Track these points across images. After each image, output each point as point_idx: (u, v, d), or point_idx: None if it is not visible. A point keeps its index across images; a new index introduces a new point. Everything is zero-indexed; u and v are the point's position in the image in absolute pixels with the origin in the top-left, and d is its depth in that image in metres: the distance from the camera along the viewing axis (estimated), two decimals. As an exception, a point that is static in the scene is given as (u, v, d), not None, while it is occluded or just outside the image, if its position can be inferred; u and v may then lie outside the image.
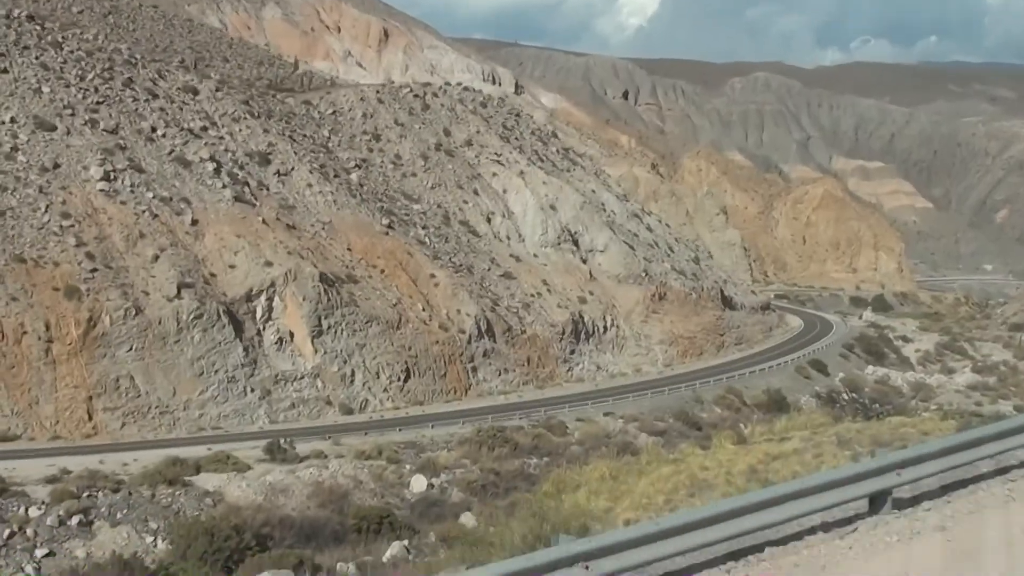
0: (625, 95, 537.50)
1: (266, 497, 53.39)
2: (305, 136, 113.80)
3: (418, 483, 59.94)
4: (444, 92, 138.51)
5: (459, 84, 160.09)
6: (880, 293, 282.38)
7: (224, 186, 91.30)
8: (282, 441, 65.55)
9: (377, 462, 64.45)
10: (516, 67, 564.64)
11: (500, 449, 67.99)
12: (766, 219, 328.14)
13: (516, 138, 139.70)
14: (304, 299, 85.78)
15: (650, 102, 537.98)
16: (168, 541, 45.67)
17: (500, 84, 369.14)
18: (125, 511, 48.44)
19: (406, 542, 43.28)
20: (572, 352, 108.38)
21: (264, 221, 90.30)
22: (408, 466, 64.37)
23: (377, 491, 58.12)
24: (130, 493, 50.11)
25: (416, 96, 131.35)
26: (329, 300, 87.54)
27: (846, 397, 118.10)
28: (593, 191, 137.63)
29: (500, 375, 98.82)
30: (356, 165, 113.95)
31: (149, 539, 47.83)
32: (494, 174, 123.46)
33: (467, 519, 47.66)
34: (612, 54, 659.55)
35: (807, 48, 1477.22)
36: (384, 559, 39.17)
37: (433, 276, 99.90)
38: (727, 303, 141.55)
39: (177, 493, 52.65)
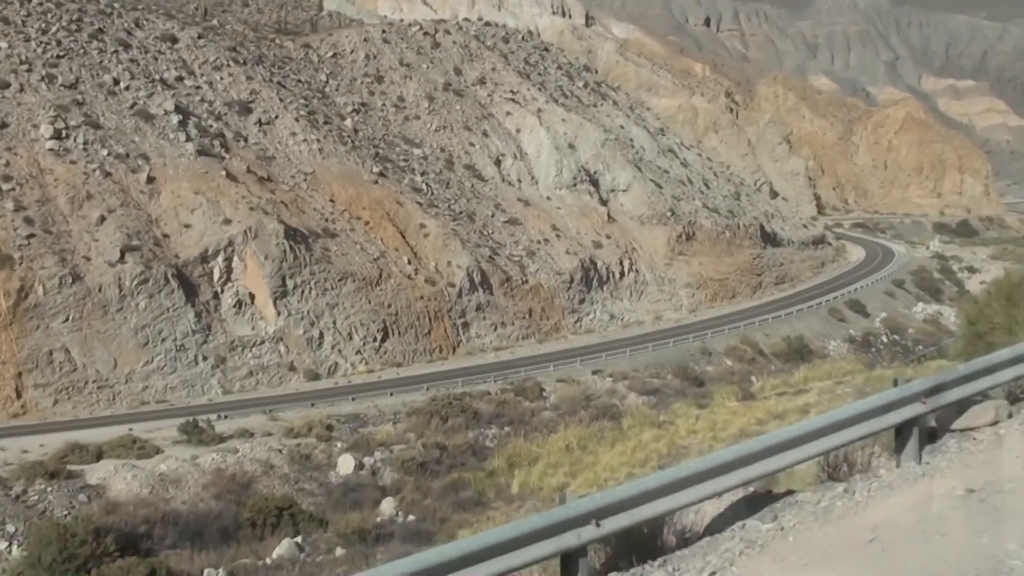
0: (707, 22, 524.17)
1: (153, 490, 47.73)
2: (300, 82, 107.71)
3: (345, 464, 53.73)
4: (459, 29, 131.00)
5: (480, 19, 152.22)
6: (965, 218, 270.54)
7: (188, 139, 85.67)
8: (212, 418, 60.38)
9: (307, 440, 58.78)
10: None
11: (455, 419, 61.63)
12: (846, 145, 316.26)
13: (539, 74, 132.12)
14: (267, 258, 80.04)
15: (732, 28, 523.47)
16: (23, 547, 40.37)
17: (570, 16, 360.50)
18: (-19, 512, 42.99)
19: (299, 539, 37.37)
20: (582, 301, 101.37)
21: (229, 175, 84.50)
22: (340, 444, 58.44)
23: (291, 476, 52.20)
24: (-3, 489, 44.72)
25: (426, 34, 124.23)
26: (296, 258, 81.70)
27: (885, 340, 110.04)
28: (622, 127, 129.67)
29: (496, 330, 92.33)
30: (354, 110, 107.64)
31: (3, 544, 42.55)
32: (508, 113, 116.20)
33: (388, 506, 41.63)
34: None
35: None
36: (269, 560, 33.35)
37: (423, 226, 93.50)
38: (769, 239, 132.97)
39: (49, 489, 47.29)
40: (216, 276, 78.93)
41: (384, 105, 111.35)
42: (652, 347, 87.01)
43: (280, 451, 54.01)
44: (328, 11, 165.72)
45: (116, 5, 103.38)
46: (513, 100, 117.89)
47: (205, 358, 75.37)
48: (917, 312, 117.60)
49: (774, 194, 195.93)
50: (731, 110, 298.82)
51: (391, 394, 71.66)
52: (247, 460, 51.78)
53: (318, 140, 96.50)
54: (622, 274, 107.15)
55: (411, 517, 37.43)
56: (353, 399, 70.84)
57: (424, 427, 60.00)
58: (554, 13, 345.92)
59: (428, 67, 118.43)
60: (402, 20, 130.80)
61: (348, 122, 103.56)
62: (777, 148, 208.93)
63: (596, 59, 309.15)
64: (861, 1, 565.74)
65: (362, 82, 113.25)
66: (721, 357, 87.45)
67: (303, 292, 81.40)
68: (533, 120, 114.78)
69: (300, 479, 51.39)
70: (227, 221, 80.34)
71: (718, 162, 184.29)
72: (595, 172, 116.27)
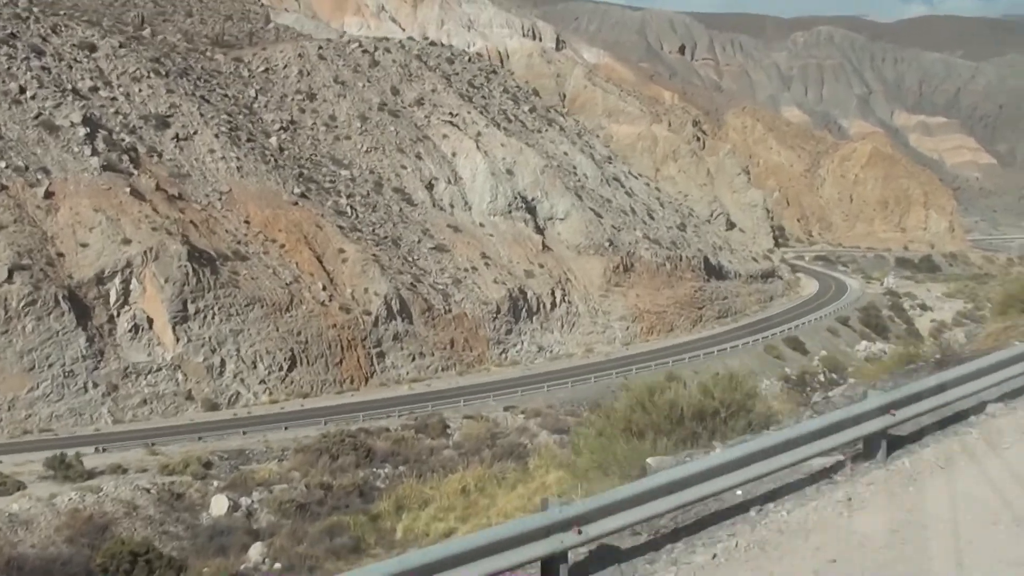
0: (682, 50, 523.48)
1: (0, 532, 44.06)
2: (226, 97, 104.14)
3: (218, 505, 50.25)
4: (401, 48, 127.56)
5: (426, 39, 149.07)
6: (928, 254, 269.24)
7: (94, 153, 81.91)
8: (95, 449, 56.72)
9: (182, 478, 55.28)
10: (571, 22, 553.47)
11: (346, 457, 58.18)
12: (812, 177, 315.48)
13: (483, 97, 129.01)
14: (167, 281, 76.35)
15: (707, 57, 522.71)
16: None
17: (540, 39, 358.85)
18: None
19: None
20: (508, 332, 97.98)
21: (135, 192, 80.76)
22: (216, 483, 54.90)
23: (156, 518, 48.57)
24: None
25: (365, 52, 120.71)
26: (200, 281, 78.04)
27: (822, 379, 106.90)
28: (565, 153, 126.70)
29: (414, 360, 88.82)
30: (282, 128, 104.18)
31: None
32: (444, 136, 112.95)
33: (256, 552, 38.29)
34: (674, 8, 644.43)
35: (891, 1, 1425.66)
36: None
37: (342, 251, 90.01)
38: (714, 272, 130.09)
39: None
40: (112, 299, 75.20)
41: (315, 124, 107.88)
42: (571, 383, 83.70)
43: (148, 490, 50.38)
44: (278, 25, 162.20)
45: (35, 10, 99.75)
46: (451, 123, 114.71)
47: (96, 385, 71.64)
48: (860, 350, 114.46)
49: (731, 225, 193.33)
50: (697, 139, 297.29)
51: (286, 428, 68.16)
52: (108, 500, 48.11)
53: (238, 158, 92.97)
54: (554, 305, 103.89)
55: (278, 564, 34.77)
56: (244, 432, 67.26)
57: (311, 465, 56.67)
58: (524, 35, 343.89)
59: (364, 86, 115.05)
60: (342, 36, 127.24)
61: (273, 140, 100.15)
62: (736, 179, 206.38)
63: (565, 83, 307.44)
64: (837, 35, 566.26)
65: (293, 99, 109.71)
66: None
67: (206, 317, 77.73)
68: (470, 144, 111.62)
69: (166, 521, 47.84)
70: (127, 241, 76.65)
71: (668, 192, 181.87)
72: (532, 199, 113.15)
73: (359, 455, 58.22)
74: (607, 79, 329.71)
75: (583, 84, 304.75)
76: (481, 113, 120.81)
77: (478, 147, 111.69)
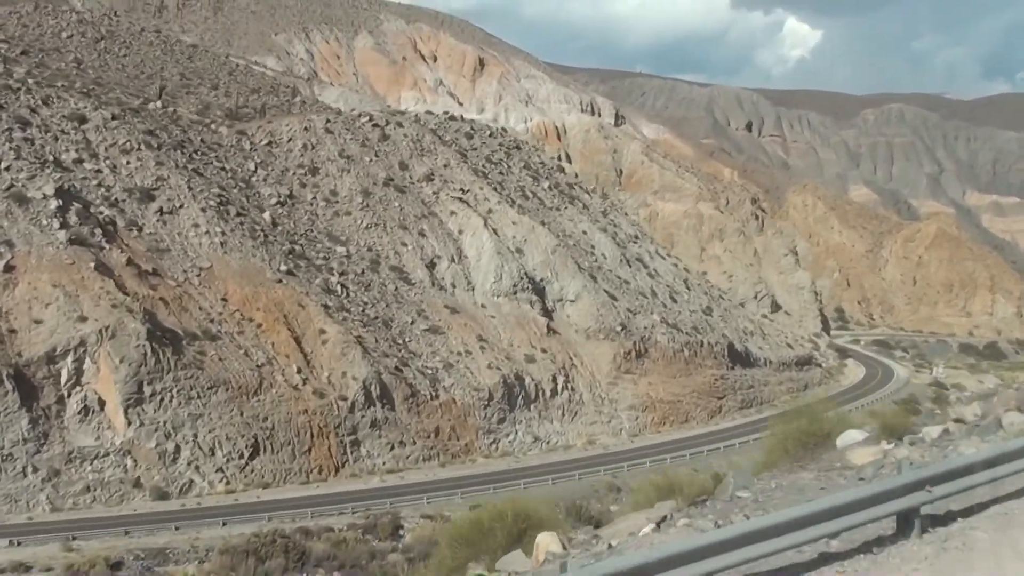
0: (749, 126, 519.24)
1: None
2: (223, 170, 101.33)
3: (108, 614, 46.03)
4: (415, 121, 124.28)
5: (446, 113, 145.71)
6: (994, 340, 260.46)
7: (62, 227, 78.99)
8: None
9: (85, 582, 51.22)
10: (638, 97, 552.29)
11: (275, 560, 53.75)
12: (875, 258, 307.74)
13: (500, 173, 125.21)
14: (122, 361, 72.71)
15: (775, 134, 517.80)
16: None
17: (599, 114, 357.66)
18: None
19: None
20: (501, 421, 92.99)
21: (101, 267, 77.57)
22: (122, 588, 50.79)
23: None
24: None
25: (376, 126, 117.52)
26: (159, 362, 74.31)
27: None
28: (584, 232, 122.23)
29: (392, 449, 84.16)
30: (279, 202, 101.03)
31: None
32: (452, 213, 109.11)
33: None
34: (768, 85, 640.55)
35: (972, 79, 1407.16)
36: None
37: (323, 332, 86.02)
38: (739, 359, 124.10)
39: None
40: (64, 379, 71.67)
41: (314, 198, 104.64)
42: (552, 480, 78.46)
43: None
44: (305, 98, 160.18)
45: (30, 81, 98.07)
46: (461, 199, 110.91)
47: (36, 470, 67.91)
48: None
49: (776, 307, 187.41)
50: (756, 217, 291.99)
51: (224, 523, 63.80)
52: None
53: (223, 232, 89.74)
54: (555, 392, 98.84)
55: None
56: (177, 528, 62.98)
57: (233, 569, 52.27)
58: (583, 111, 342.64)
59: (371, 160, 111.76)
60: (352, 110, 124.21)
61: (267, 215, 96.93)
62: (783, 260, 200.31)
63: (621, 158, 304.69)
64: (909, 112, 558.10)
65: (295, 173, 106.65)
66: (631, 495, 78.54)
67: (163, 400, 73.87)
68: (478, 221, 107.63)
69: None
70: (83, 318, 73.29)
71: (710, 272, 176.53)
72: (542, 280, 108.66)
73: (289, 558, 53.95)
74: (665, 155, 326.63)
75: (640, 159, 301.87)
76: (495, 189, 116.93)
77: (486, 224, 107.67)
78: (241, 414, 76.99)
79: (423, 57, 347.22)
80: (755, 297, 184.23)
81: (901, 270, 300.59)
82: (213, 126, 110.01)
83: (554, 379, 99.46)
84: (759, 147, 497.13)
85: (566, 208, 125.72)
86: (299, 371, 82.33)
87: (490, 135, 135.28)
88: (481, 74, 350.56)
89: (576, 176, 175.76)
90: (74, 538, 59.26)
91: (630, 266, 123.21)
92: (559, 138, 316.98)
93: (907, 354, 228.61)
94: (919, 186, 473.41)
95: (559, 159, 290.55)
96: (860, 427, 21.27)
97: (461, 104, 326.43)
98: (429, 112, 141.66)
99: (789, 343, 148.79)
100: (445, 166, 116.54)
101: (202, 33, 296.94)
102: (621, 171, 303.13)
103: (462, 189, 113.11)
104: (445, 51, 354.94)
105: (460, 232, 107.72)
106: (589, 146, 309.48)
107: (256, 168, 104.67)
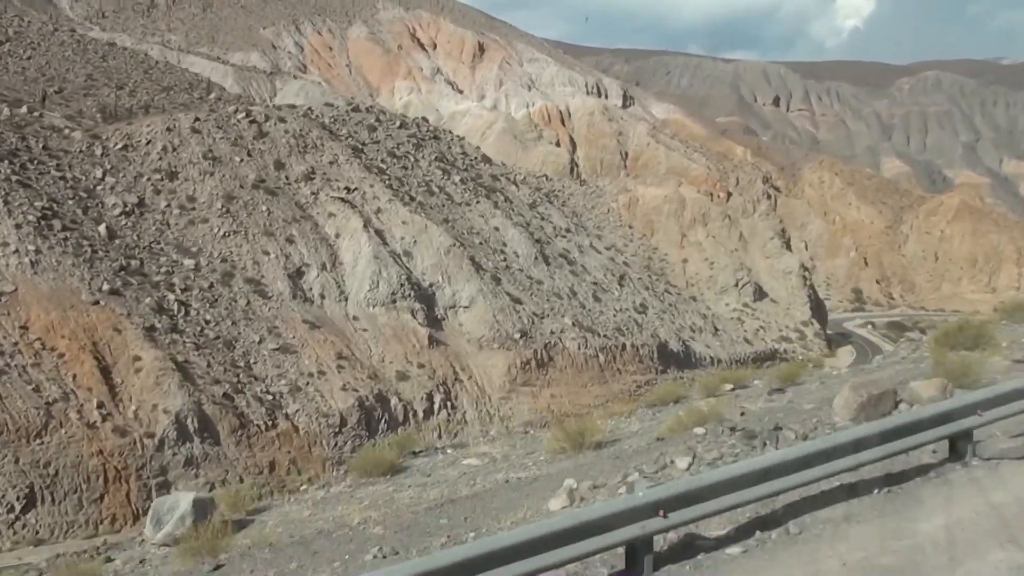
0: (776, 101, 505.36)
1: None
2: (62, 179, 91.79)
3: None
4: (305, 116, 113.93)
5: (350, 103, 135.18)
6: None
7: None
8: None
9: None
10: (663, 76, 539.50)
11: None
12: (894, 234, 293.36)
13: (404, 167, 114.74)
14: None
15: (802, 107, 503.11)
16: None
17: (606, 96, 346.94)
18: None
19: None
20: (356, 450, 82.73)
21: None
22: None
23: None
24: None
25: (253, 122, 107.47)
26: (-89, 406, 65.12)
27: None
28: (496, 229, 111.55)
29: (212, 489, 74.17)
30: (123, 212, 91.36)
31: None
32: (331, 215, 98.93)
33: None
34: (826, 57, 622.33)
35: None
36: None
37: (138, 359, 76.21)
38: (674, 360, 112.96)
39: None
40: None
41: (168, 206, 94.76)
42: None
43: None
44: (225, 96, 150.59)
45: None
46: (343, 199, 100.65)
47: None
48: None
49: (760, 295, 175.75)
50: (768, 196, 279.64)
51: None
52: None
53: (37, 251, 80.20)
54: (429, 412, 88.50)
55: None
56: None
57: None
58: (588, 93, 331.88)
59: (242, 160, 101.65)
60: (236, 110, 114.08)
61: (103, 227, 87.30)
62: (769, 243, 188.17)
63: (627, 141, 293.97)
64: (945, 80, 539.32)
65: (149, 179, 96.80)
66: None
67: (-88, 450, 64.71)
68: (357, 223, 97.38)
69: None
70: None
71: (648, 265, 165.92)
72: (431, 285, 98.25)
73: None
74: (673, 135, 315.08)
75: (646, 141, 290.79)
76: (389, 186, 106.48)
77: (366, 226, 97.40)
78: (16, 460, 67.38)
79: (421, 45, 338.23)
80: (736, 285, 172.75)
81: (922, 246, 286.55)
82: (66, 131, 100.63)
83: (430, 397, 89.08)
84: (787, 122, 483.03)
85: (478, 203, 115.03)
86: (100, 406, 72.55)
87: (400, 126, 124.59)
88: (481, 60, 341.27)
89: (577, 162, 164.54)
90: None
91: (548, 264, 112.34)
92: (563, 122, 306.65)
93: (924, 337, 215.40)
94: (954, 155, 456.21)
95: (558, 144, 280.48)
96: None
97: (460, 91, 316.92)
98: (328, 104, 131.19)
99: (747, 338, 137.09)
100: (331, 163, 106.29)
101: (188, 31, 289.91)
102: (627, 154, 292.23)
103: (347, 188, 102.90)
104: (444, 37, 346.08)
105: (337, 236, 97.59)
106: (594, 129, 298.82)
107: (104, 175, 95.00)
